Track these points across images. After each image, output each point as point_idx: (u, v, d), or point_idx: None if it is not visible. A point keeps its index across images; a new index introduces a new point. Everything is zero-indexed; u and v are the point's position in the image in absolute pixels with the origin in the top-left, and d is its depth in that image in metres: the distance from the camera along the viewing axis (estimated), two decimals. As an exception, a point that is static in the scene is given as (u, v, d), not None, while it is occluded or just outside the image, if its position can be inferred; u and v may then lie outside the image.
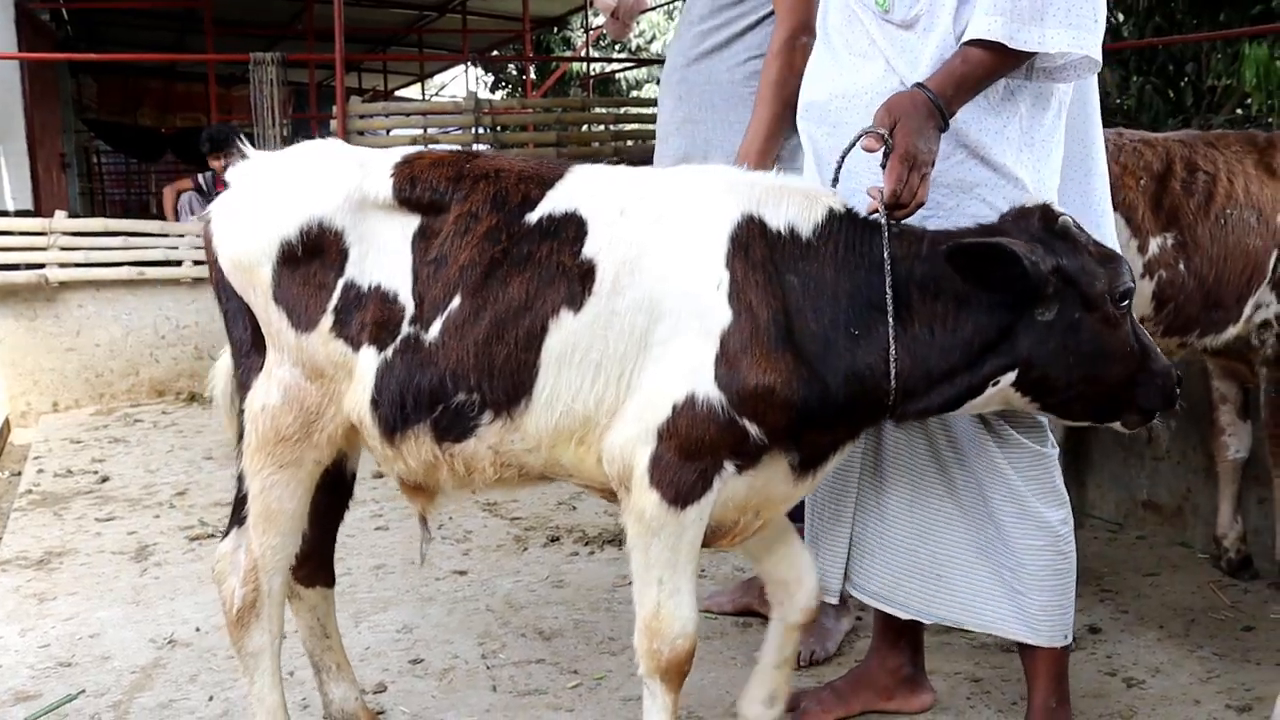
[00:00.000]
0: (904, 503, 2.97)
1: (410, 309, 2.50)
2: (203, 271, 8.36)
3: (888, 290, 2.42)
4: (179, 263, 8.25)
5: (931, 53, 2.63)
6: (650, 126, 11.03)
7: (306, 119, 15.51)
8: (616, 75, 21.22)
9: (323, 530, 2.92)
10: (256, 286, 2.57)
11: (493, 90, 23.10)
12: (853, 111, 2.73)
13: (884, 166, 2.46)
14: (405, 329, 2.50)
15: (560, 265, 2.45)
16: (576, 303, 2.43)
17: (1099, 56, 2.57)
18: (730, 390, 2.38)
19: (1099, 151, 2.95)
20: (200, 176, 9.82)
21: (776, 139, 3.53)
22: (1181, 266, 3.70)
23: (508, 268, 2.46)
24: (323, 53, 12.06)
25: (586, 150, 9.91)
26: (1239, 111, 8.96)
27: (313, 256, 2.54)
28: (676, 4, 14.53)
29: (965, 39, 2.55)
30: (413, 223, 2.54)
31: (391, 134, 10.05)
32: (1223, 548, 4.26)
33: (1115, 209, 3.10)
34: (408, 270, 2.52)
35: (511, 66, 21.95)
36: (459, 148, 2.62)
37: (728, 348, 2.38)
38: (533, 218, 2.51)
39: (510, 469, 2.57)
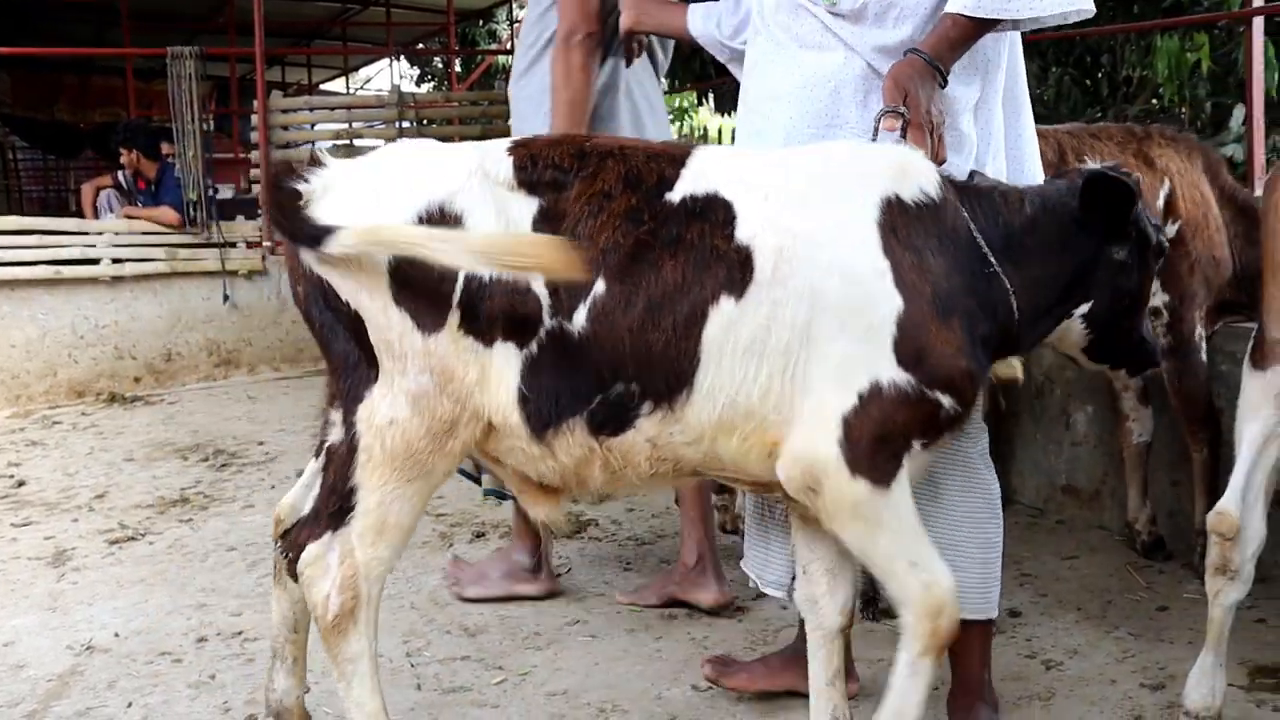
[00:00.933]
0: None
1: (546, 298, 2.34)
2: (121, 270, 8.25)
3: (981, 241, 2.51)
4: (97, 261, 8.11)
5: (896, 37, 2.76)
6: (576, 119, 11.00)
7: (229, 114, 15.35)
8: (543, 68, 21.06)
9: None
10: (373, 290, 2.35)
11: (418, 84, 22.84)
12: (814, 100, 2.83)
13: (904, 136, 2.59)
14: (547, 320, 2.35)
15: (715, 249, 2.36)
16: (737, 289, 2.34)
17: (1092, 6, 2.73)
18: (918, 370, 2.38)
19: (1028, 115, 3.07)
20: (120, 174, 9.65)
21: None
22: None
23: (658, 250, 2.35)
24: (244, 46, 11.91)
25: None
26: (1154, 102, 9.12)
27: None
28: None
29: (955, 9, 2.66)
30: (532, 204, 2.39)
31: (315, 128, 9.96)
32: (1135, 531, 4.34)
33: None
34: None
35: (437, 60, 21.77)
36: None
37: (904, 331, 2.38)
38: (674, 198, 2.40)
39: (666, 463, 2.47)
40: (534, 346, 2.35)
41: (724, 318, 2.33)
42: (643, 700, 3.25)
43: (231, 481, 5.84)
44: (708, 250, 2.35)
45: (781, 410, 2.38)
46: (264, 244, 8.75)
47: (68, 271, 7.99)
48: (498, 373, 2.37)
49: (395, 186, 2.41)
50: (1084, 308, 2.64)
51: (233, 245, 8.76)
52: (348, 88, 21.46)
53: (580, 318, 2.34)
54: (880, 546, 2.45)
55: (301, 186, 2.40)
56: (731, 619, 3.82)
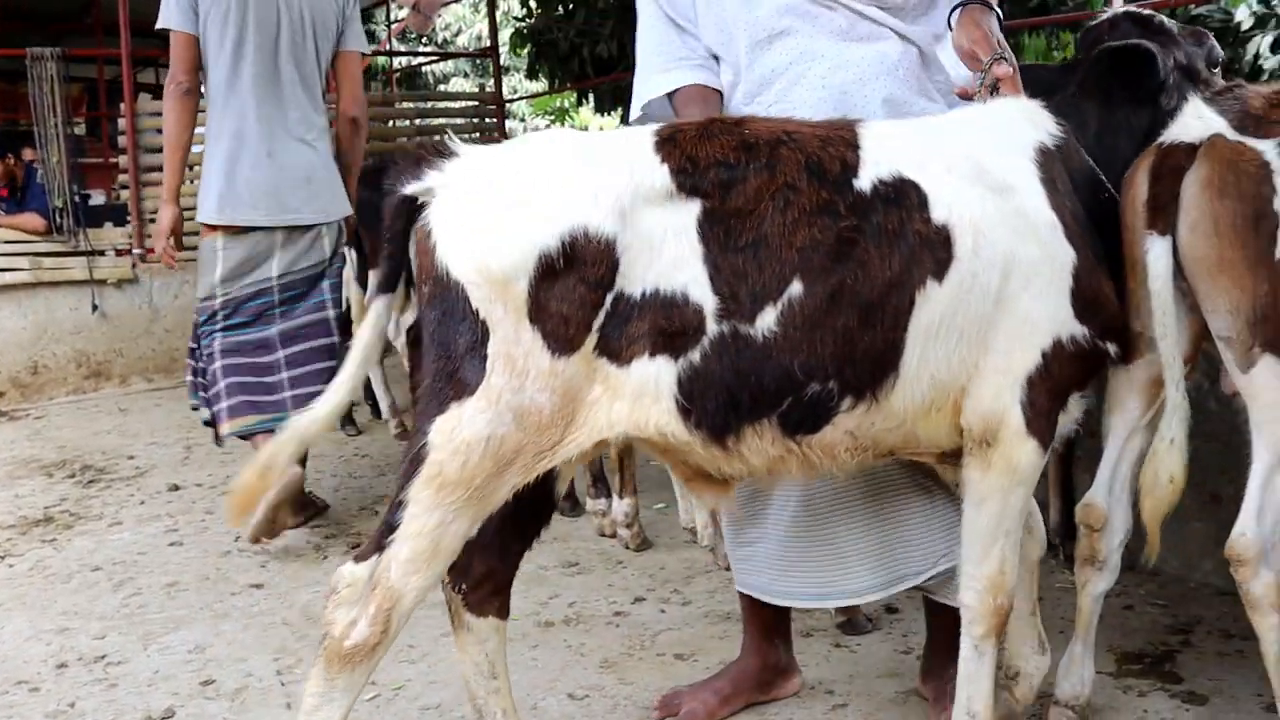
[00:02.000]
0: (805, 497, 2.97)
1: (712, 305, 2.21)
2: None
3: (1099, 171, 2.57)
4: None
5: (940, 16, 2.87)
6: (458, 121, 10.89)
7: (99, 117, 14.89)
8: (422, 69, 20.92)
9: (513, 550, 2.67)
10: (508, 303, 2.18)
11: (298, 86, 22.49)
12: (875, 81, 2.87)
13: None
14: (712, 327, 2.21)
15: (919, 235, 2.28)
16: (941, 272, 2.28)
17: None
18: (1093, 321, 2.40)
19: None
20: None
21: (177, 177, 4.74)
22: None
23: (865, 244, 2.25)
24: (111, 47, 11.54)
25: (391, 146, 9.70)
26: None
27: (576, 268, 2.18)
28: (481, -4, 14.36)
29: None
30: (693, 209, 2.24)
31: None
32: (1013, 523, 4.38)
33: None
34: (700, 264, 2.22)
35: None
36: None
37: (1080, 282, 2.39)
38: (864, 185, 2.30)
39: (864, 451, 2.41)
40: (694, 357, 2.22)
41: (930, 302, 2.28)
42: (519, 710, 3.18)
43: (99, 498, 5.64)
44: (910, 237, 2.28)
45: (969, 372, 2.36)
46: (134, 251, 8.48)
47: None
48: (642, 389, 2.24)
49: (538, 201, 2.23)
50: None
51: (101, 253, 8.47)
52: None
53: (767, 321, 2.22)
54: (1006, 508, 2.45)
55: (415, 185, 2.28)
56: (609, 624, 3.77)
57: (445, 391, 2.22)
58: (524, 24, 12.27)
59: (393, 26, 15.39)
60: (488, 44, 11.60)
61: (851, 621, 3.61)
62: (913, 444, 2.47)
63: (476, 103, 11.77)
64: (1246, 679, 3.13)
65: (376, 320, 2.36)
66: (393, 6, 14.18)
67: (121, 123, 8.72)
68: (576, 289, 2.18)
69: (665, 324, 2.21)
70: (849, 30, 2.84)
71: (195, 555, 4.65)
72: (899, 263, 2.26)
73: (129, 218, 8.54)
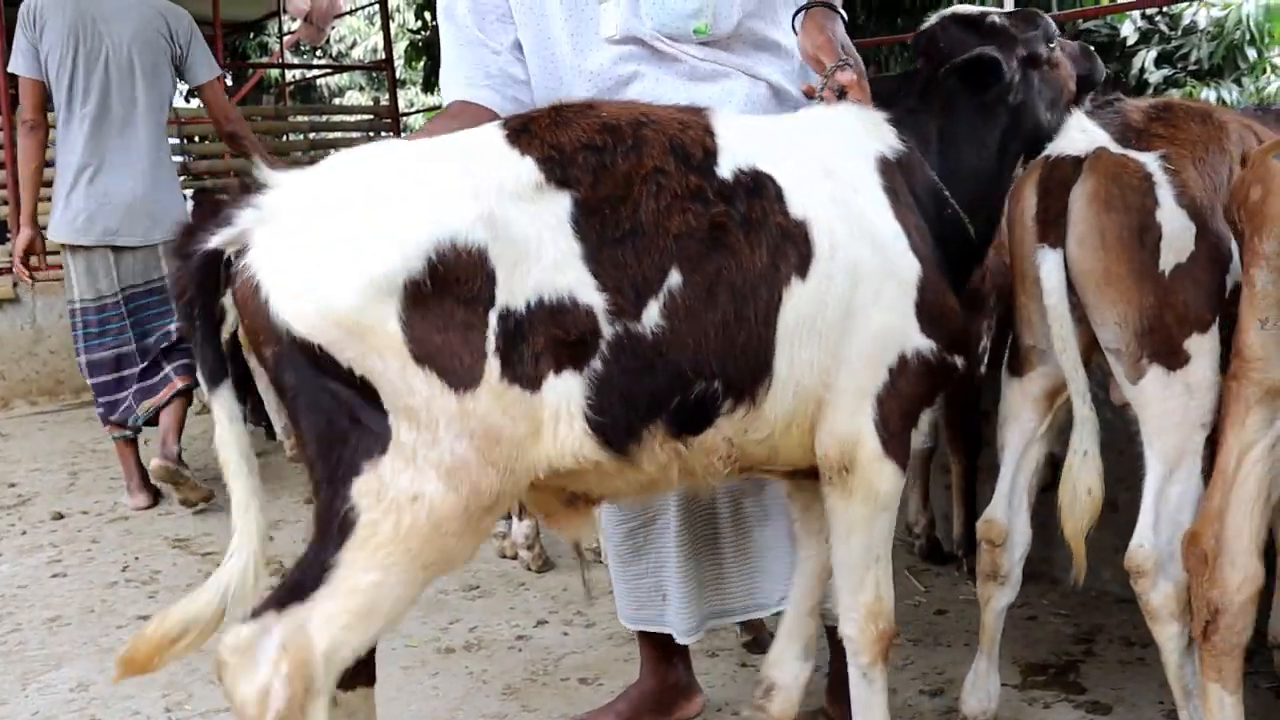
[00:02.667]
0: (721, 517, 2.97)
1: (602, 304, 2.02)
2: None
3: (940, 184, 2.52)
4: None
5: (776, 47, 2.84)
6: (353, 135, 10.73)
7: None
8: (316, 81, 20.65)
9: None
10: (382, 350, 1.89)
11: (186, 99, 22.05)
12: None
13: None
14: (607, 329, 2.03)
15: (780, 228, 2.18)
16: (804, 268, 2.19)
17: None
18: (939, 334, 2.34)
19: None
20: None
21: (31, 203, 5.42)
22: None
23: (734, 232, 2.14)
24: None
25: (284, 160, 9.53)
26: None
27: (449, 289, 1.92)
28: (374, 7, 14.21)
29: None
30: (563, 201, 2.03)
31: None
32: (914, 534, 4.41)
33: None
34: (579, 260, 2.02)
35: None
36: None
37: (925, 295, 2.33)
38: (726, 173, 2.18)
39: (734, 463, 2.28)
40: (596, 365, 2.04)
41: (795, 299, 2.19)
42: (420, 742, 3.11)
43: (-23, 528, 5.42)
44: (775, 229, 2.18)
45: (826, 383, 2.27)
46: (14, 269, 8.17)
47: None
48: (554, 411, 2.03)
49: (384, 221, 1.94)
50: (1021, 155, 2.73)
51: (-19, 272, 8.19)
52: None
53: (652, 315, 2.06)
54: (871, 534, 2.40)
55: (223, 233, 1.92)
56: (511, 649, 3.70)
57: (351, 454, 1.94)
58: (419, 36, 12.17)
59: (285, 39, 15.13)
60: (383, 57, 11.46)
61: (757, 640, 3.58)
62: (772, 460, 2.38)
63: (372, 116, 11.63)
64: (1148, 686, 3.16)
65: (230, 417, 2.00)
66: (285, 18, 13.95)
67: None
68: (454, 312, 1.93)
69: (560, 334, 2.01)
70: (693, 71, 2.79)
71: (79, 587, 4.47)
72: (766, 255, 2.17)
73: (10, 235, 8.24)
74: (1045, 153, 2.64)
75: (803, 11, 2.69)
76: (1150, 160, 2.54)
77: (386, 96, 11.74)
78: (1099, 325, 2.58)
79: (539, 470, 2.07)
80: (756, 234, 2.16)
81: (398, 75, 11.82)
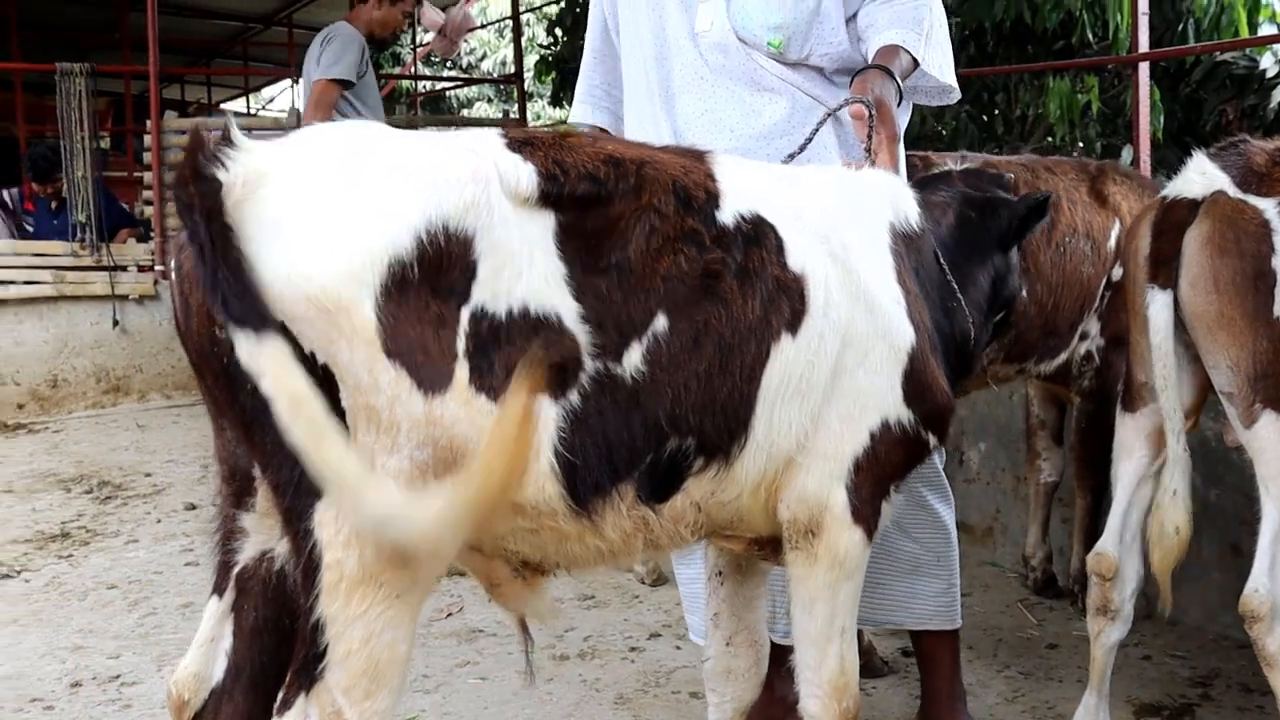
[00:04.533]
0: None
1: (585, 336, 1.86)
2: (5, 293, 8.02)
3: (950, 274, 2.53)
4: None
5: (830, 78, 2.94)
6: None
7: (124, 132, 15.00)
8: (446, 93, 21.05)
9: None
10: (352, 336, 1.68)
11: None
12: (772, 138, 2.90)
13: (869, 135, 2.64)
14: (589, 363, 1.87)
15: (777, 280, 2.08)
16: (795, 324, 2.09)
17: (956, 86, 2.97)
18: (920, 407, 2.28)
19: None
20: (6, 192, 9.36)
21: None
22: (1024, 293, 3.77)
23: (729, 280, 2.02)
24: (138, 64, 11.66)
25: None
26: (1048, 140, 9.33)
27: (428, 279, 1.73)
28: (506, 22, 14.47)
29: (888, 42, 2.80)
30: (548, 222, 1.87)
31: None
32: (1030, 567, 4.38)
33: None
34: (563, 284, 1.86)
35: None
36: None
37: (914, 364, 2.27)
38: (727, 219, 2.07)
39: (699, 529, 2.15)
40: (574, 397, 1.85)
41: (783, 356, 2.07)
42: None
43: (116, 515, 5.67)
44: (770, 281, 2.07)
45: (799, 445, 2.15)
46: (156, 267, 8.55)
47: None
48: None
49: (378, 195, 1.74)
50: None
51: (123, 269, 8.54)
52: (248, 108, 21.17)
53: (634, 359, 1.91)
54: (834, 604, 2.27)
55: (220, 174, 1.67)
56: (624, 659, 3.78)
57: (308, 480, 1.67)
58: (549, 51, 12.37)
59: (418, 50, 15.51)
60: (513, 70, 11.68)
61: (868, 665, 3.60)
62: (735, 525, 2.24)
63: (501, 128, 11.84)
64: (1264, 735, 3.12)
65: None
66: (419, 30, 14.29)
67: (147, 138, 8.80)
68: (430, 304, 1.73)
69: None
70: (757, 82, 2.91)
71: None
72: (759, 307, 2.05)
73: (153, 233, 8.60)
74: (1163, 193, 2.65)
75: (860, 72, 2.76)
76: (1270, 206, 2.54)
77: (515, 109, 11.98)
78: (1211, 368, 2.58)
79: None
80: (751, 284, 2.06)
81: (527, 89, 12.01)
